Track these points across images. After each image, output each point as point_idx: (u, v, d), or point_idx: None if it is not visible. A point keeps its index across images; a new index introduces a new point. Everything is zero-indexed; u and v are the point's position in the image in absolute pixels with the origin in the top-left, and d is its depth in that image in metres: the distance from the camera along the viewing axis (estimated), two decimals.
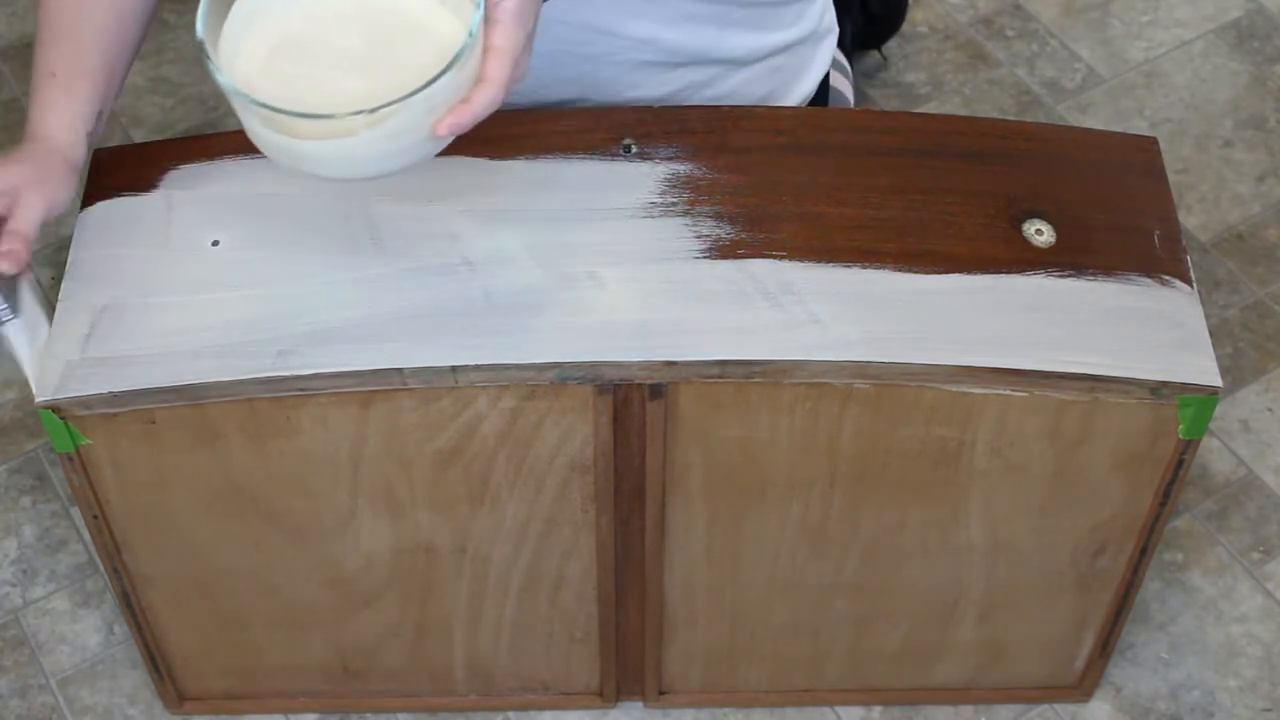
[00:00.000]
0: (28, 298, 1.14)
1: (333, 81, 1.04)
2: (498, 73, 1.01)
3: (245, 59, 1.04)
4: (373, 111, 0.98)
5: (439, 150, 1.04)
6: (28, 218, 1.11)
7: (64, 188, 1.14)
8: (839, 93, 1.62)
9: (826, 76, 1.46)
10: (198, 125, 1.92)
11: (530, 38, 1.04)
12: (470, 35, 0.99)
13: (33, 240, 1.11)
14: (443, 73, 0.98)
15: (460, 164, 1.24)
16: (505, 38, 1.01)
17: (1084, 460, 1.22)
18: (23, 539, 1.60)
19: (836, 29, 1.44)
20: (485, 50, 1.02)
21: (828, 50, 1.43)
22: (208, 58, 1.01)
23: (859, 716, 1.49)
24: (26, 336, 1.15)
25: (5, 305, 1.13)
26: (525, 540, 1.29)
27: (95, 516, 1.24)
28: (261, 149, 1.04)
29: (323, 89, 1.03)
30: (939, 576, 1.33)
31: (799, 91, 1.42)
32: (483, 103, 1.01)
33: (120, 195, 1.24)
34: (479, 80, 1.01)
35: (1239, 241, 1.83)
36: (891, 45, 1.97)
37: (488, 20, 1.02)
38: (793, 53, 1.39)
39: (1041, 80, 1.97)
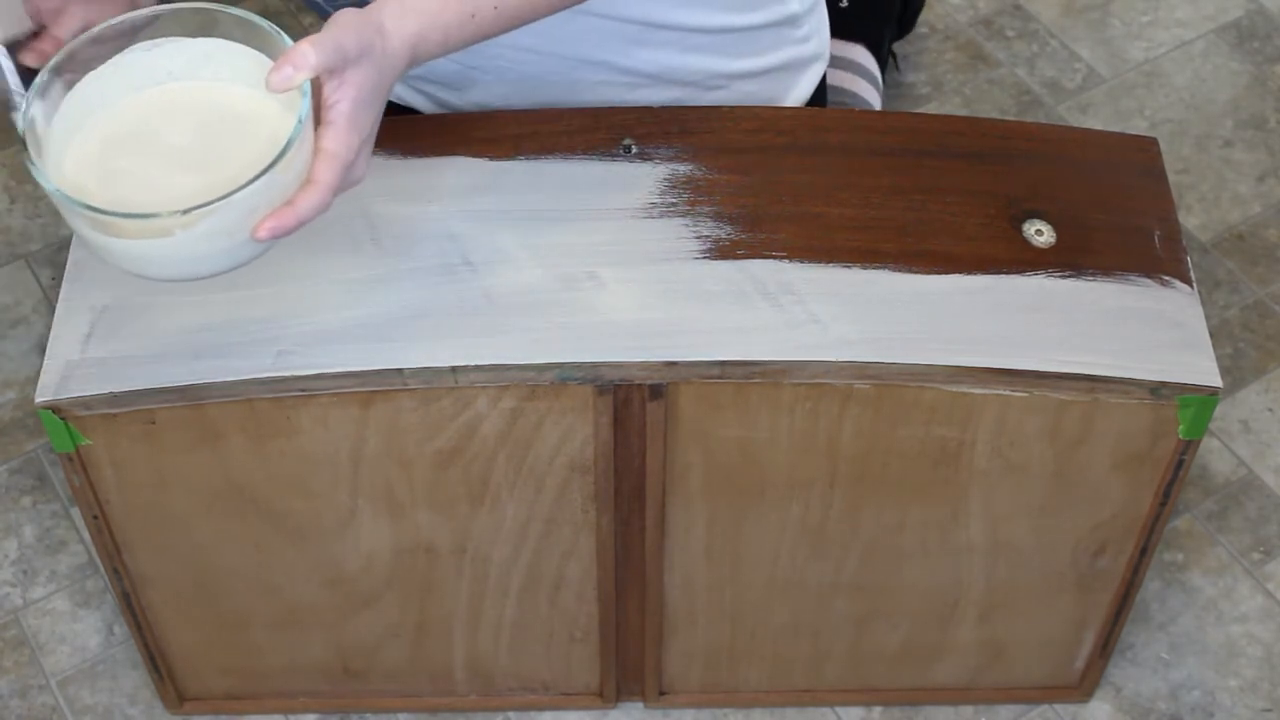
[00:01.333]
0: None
1: (163, 178, 1.02)
2: (326, 176, 0.98)
3: (76, 152, 1.02)
4: (186, 212, 0.95)
5: (262, 253, 1.01)
6: (65, 24, 1.12)
7: (110, 6, 1.13)
8: (864, 100, 1.61)
9: (820, 101, 1.43)
10: None
11: (367, 142, 1.02)
12: (292, 137, 0.96)
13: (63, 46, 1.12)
14: (261, 174, 0.95)
15: (460, 164, 1.24)
16: (337, 141, 0.99)
17: (1084, 460, 1.22)
18: (23, 539, 1.60)
19: (826, 57, 1.41)
20: (316, 152, 0.99)
21: (811, 79, 1.40)
22: (29, 158, 0.99)
23: (859, 716, 1.49)
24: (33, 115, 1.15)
25: (14, 86, 1.13)
26: (525, 540, 1.29)
27: (95, 516, 1.24)
28: (89, 251, 1.02)
29: (153, 186, 1.01)
30: (939, 576, 1.33)
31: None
32: (307, 207, 0.98)
33: None
34: (307, 183, 0.99)
35: (1239, 241, 1.83)
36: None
37: (321, 122, 0.99)
38: (767, 79, 1.36)
39: (1041, 80, 1.97)
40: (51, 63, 1.03)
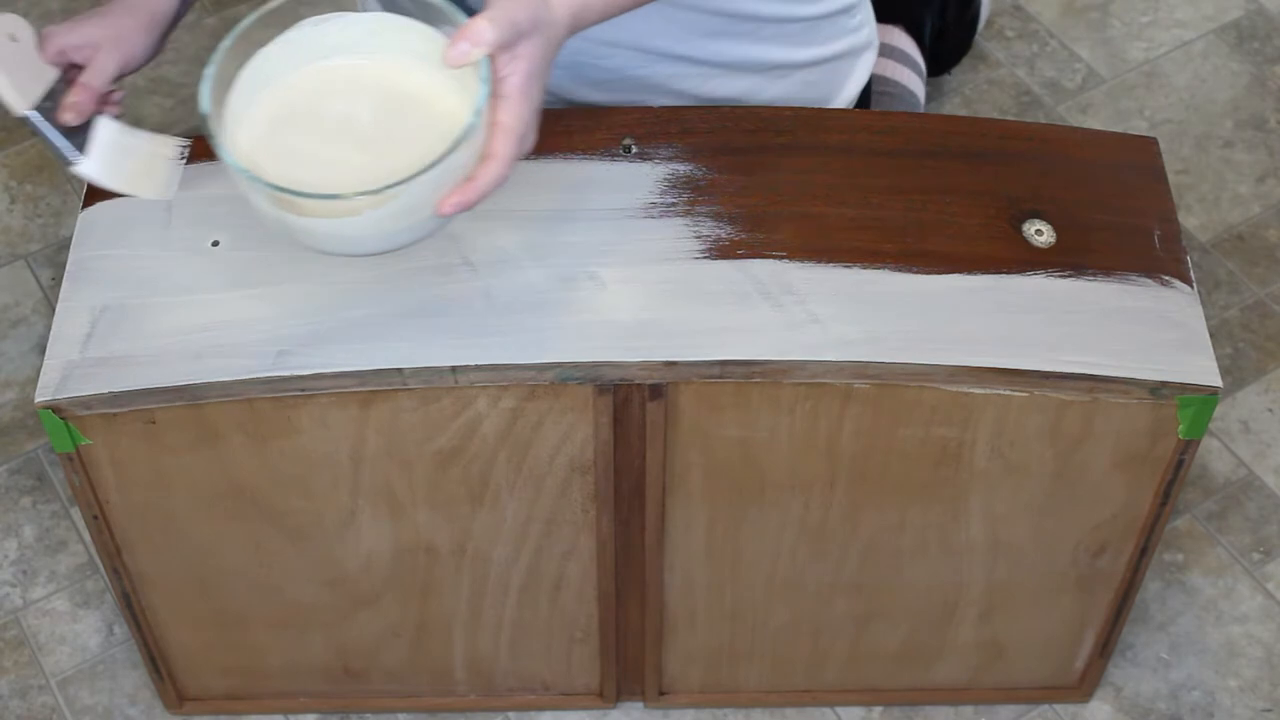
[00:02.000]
0: (101, 139, 1.16)
1: (333, 155, 1.04)
2: (503, 150, 1.01)
3: (247, 129, 1.04)
4: (378, 192, 0.97)
5: (443, 228, 1.04)
6: (99, 73, 1.15)
7: (140, 46, 1.17)
8: (907, 89, 1.61)
9: (867, 89, 1.45)
10: (198, 125, 1.92)
11: (537, 113, 1.04)
12: (477, 114, 0.98)
13: (101, 91, 1.15)
14: (449, 153, 0.97)
15: None
16: (511, 115, 1.01)
17: (1084, 460, 1.22)
18: (23, 539, 1.60)
19: (876, 45, 1.44)
20: (491, 126, 1.01)
21: (865, 67, 1.43)
22: (213, 136, 1.01)
23: (859, 717, 1.49)
24: (99, 174, 1.17)
25: (73, 147, 1.16)
26: (525, 540, 1.29)
27: (95, 516, 1.24)
28: (263, 225, 1.04)
29: (323, 162, 1.03)
30: (939, 576, 1.33)
31: (837, 104, 1.42)
32: (488, 180, 1.01)
33: (120, 195, 1.24)
34: (484, 157, 1.01)
35: (1239, 241, 1.83)
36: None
37: (494, 95, 1.01)
38: (828, 68, 1.39)
39: (1041, 80, 1.97)
40: (226, 42, 1.04)
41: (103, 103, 1.17)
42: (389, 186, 0.97)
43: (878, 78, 1.56)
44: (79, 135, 1.16)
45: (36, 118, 1.14)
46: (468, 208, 1.01)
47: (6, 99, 1.13)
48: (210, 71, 1.03)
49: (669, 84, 1.32)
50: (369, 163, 1.02)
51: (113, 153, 1.17)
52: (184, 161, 1.20)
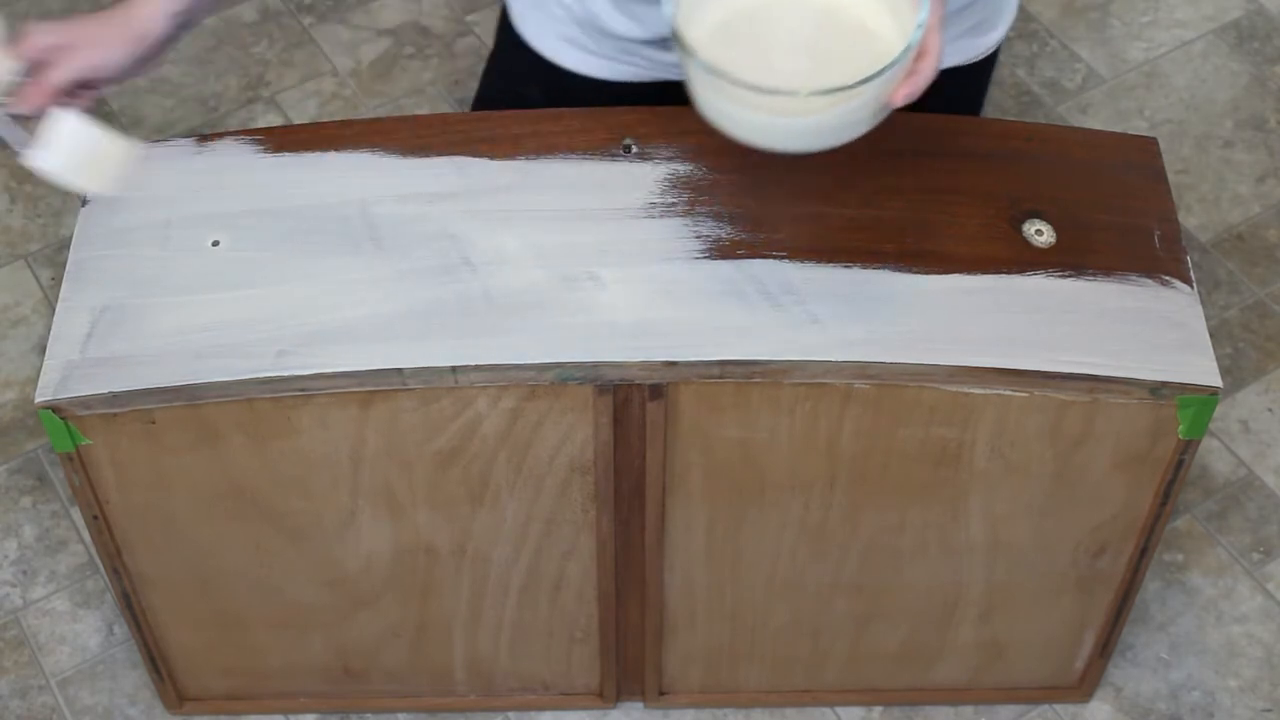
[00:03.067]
0: (55, 130, 1.16)
1: (777, 60, 1.10)
2: (935, 45, 1.07)
3: (696, 29, 1.08)
4: (836, 91, 1.03)
5: (865, 129, 1.09)
6: (61, 72, 1.16)
7: (116, 57, 1.18)
8: None
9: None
10: (198, 125, 1.92)
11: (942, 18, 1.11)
12: (921, 24, 1.04)
13: (58, 90, 1.16)
14: (904, 52, 1.04)
15: (461, 164, 1.24)
16: (934, 15, 1.07)
17: (1084, 460, 1.22)
18: (23, 539, 1.60)
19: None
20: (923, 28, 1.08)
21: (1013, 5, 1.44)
22: (680, 41, 1.05)
23: (859, 717, 1.49)
24: (44, 164, 1.17)
25: (22, 138, 1.16)
26: (525, 540, 1.29)
27: (95, 516, 1.24)
28: (709, 116, 1.09)
29: (767, 65, 1.08)
30: (939, 577, 1.33)
31: (989, 41, 1.41)
32: (926, 73, 1.07)
33: (120, 195, 1.24)
34: (920, 54, 1.07)
35: (1239, 241, 1.83)
36: None
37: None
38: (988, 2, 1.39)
39: (1041, 80, 1.97)
40: None
41: (63, 101, 1.16)
42: (850, 86, 1.03)
43: None
44: (28, 126, 1.16)
45: None
46: (914, 98, 1.07)
47: None
48: None
49: None
50: (810, 69, 1.09)
51: (65, 144, 1.17)
52: (136, 159, 1.19)
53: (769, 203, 1.23)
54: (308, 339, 1.15)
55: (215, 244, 1.21)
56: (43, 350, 1.39)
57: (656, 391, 1.17)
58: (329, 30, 2.02)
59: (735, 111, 1.08)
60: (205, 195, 1.23)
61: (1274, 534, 1.61)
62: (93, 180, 1.18)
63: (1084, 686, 1.47)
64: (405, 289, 1.18)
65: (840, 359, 1.15)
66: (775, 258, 1.20)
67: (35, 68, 1.16)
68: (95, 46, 1.17)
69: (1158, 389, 1.16)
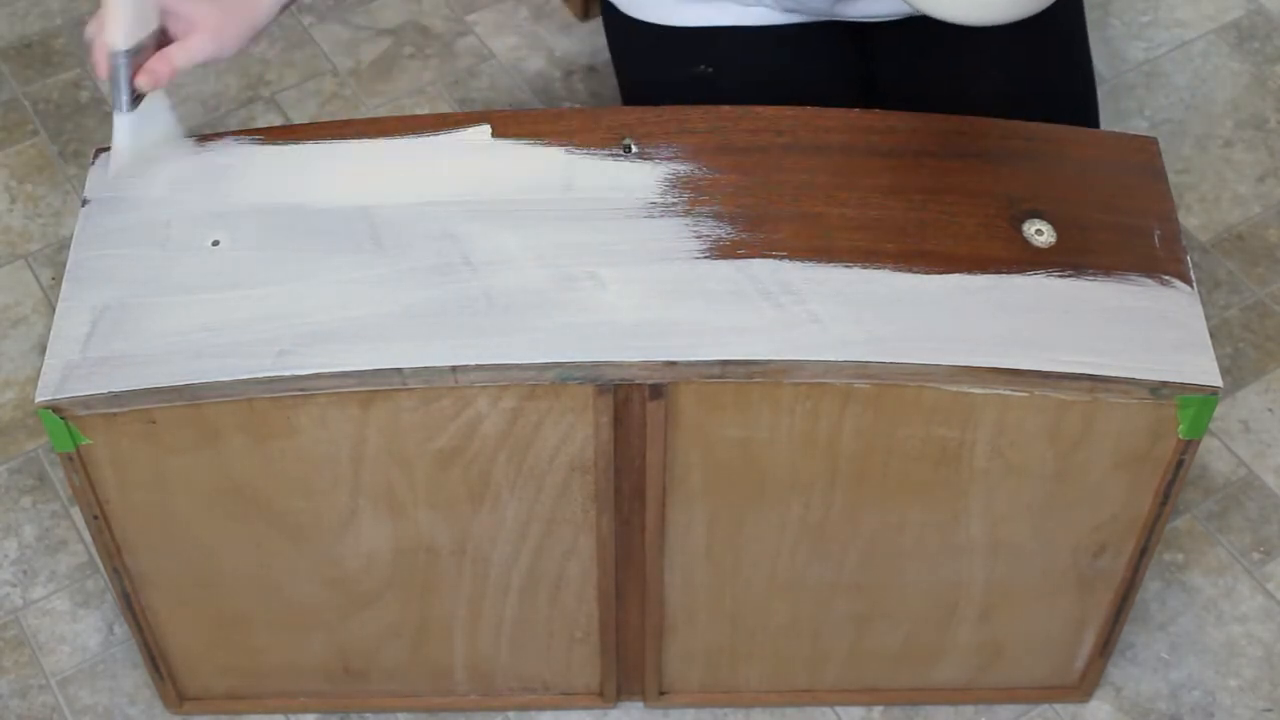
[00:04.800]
0: (147, 103, 1.21)
1: None
2: None
3: None
4: None
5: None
6: (188, 55, 1.19)
7: (232, 45, 1.20)
8: None
9: None
10: (198, 125, 1.92)
11: None
12: None
13: (180, 71, 1.20)
14: None
15: (460, 164, 1.24)
16: None
17: (1084, 460, 1.22)
18: (23, 539, 1.60)
19: None
20: None
21: None
22: None
23: (859, 716, 1.49)
24: (128, 130, 1.22)
25: (125, 99, 1.20)
26: (525, 540, 1.29)
27: (95, 516, 1.24)
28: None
29: None
30: (939, 576, 1.33)
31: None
32: None
33: (121, 195, 1.24)
34: None
35: (1239, 241, 1.83)
36: None
37: None
38: None
39: None
40: None
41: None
42: None
43: None
44: (134, 89, 1.19)
45: (123, 60, 1.17)
46: None
47: (111, 29, 1.16)
48: None
49: None
50: None
51: (145, 120, 1.21)
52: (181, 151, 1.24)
53: (769, 203, 1.23)
54: (308, 339, 1.15)
55: (215, 244, 1.21)
56: (43, 350, 1.39)
57: (657, 391, 1.17)
58: (329, 30, 2.02)
59: None
60: (205, 195, 1.23)
61: (1274, 534, 1.61)
62: (140, 159, 1.22)
63: (1084, 686, 1.47)
64: (405, 289, 1.18)
65: (840, 359, 1.15)
66: (775, 258, 1.20)
67: (161, 37, 1.18)
68: (218, 33, 1.19)
69: (1158, 389, 1.16)
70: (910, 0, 1.11)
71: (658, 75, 1.47)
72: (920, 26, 1.44)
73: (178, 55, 1.18)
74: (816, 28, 1.47)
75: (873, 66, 1.50)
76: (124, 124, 1.22)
